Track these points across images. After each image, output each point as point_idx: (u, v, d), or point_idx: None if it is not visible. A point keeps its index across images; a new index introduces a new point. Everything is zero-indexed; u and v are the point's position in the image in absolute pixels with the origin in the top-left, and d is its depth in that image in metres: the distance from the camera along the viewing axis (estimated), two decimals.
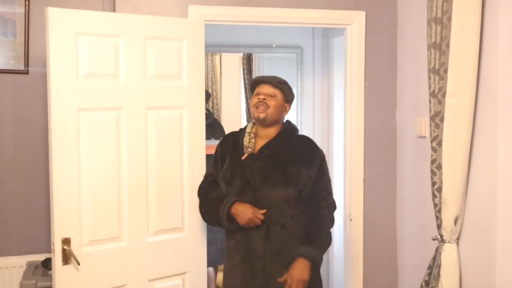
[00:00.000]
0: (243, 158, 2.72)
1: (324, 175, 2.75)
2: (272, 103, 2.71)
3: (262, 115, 2.70)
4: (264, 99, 2.70)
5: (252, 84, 2.82)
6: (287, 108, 2.81)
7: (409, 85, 3.47)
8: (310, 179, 2.68)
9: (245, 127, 2.84)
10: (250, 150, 2.73)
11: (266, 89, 2.73)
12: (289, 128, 2.83)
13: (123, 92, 2.86)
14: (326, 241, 2.70)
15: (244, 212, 2.62)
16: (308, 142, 2.83)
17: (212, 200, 2.77)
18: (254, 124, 2.81)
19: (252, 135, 2.76)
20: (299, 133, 2.91)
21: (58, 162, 2.67)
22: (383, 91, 3.61)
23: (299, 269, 2.56)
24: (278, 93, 2.74)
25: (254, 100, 2.74)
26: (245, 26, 3.96)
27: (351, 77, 3.60)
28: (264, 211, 2.63)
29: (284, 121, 2.84)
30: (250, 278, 2.67)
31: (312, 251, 2.61)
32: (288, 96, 2.79)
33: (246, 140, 2.76)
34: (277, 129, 2.78)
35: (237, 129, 2.93)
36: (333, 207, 2.76)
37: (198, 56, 3.09)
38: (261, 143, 2.76)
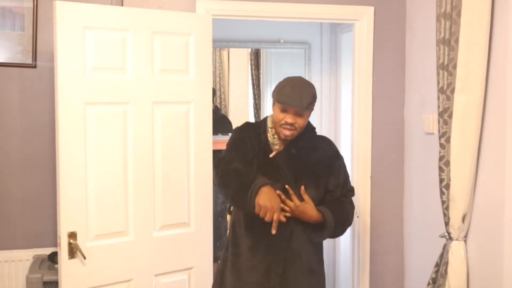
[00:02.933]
0: (271, 155, 2.60)
1: (348, 178, 2.70)
2: (300, 123, 2.54)
3: (289, 137, 2.56)
4: (292, 123, 2.52)
5: (279, 99, 2.55)
6: (310, 113, 2.64)
7: (417, 81, 3.45)
8: (339, 186, 2.62)
9: (264, 120, 2.69)
10: (277, 147, 2.61)
11: (295, 110, 2.53)
12: (310, 128, 2.70)
13: (130, 86, 2.86)
14: (341, 222, 2.59)
15: (270, 200, 2.35)
16: (330, 144, 2.73)
17: (238, 171, 2.50)
18: None
19: (273, 131, 2.62)
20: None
21: (65, 156, 2.68)
22: (391, 87, 3.60)
23: (310, 206, 2.50)
24: (306, 112, 2.57)
25: (280, 118, 2.53)
26: (253, 22, 3.95)
27: (359, 73, 3.58)
28: (288, 214, 2.48)
29: None
30: (266, 281, 2.56)
31: (329, 215, 2.52)
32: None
33: (270, 136, 2.62)
34: None
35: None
36: (353, 207, 2.70)
37: (206, 51, 3.09)
38: (281, 140, 2.64)
